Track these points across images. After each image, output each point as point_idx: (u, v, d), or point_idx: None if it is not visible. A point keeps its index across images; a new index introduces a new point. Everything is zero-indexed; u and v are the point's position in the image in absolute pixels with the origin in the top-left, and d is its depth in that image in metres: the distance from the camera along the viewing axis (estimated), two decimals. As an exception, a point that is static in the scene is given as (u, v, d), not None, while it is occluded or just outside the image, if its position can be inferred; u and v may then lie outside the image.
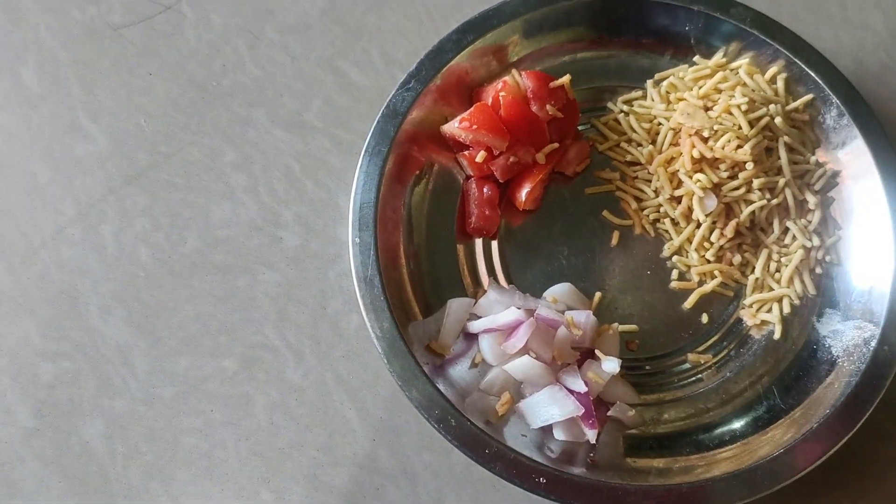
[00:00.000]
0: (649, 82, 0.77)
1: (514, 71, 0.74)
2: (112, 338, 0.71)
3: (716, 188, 0.71)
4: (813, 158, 0.73)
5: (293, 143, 0.78)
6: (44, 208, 0.75)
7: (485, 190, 0.73)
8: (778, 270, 0.72)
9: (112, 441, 0.69)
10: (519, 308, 0.67)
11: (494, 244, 0.74)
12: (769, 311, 0.71)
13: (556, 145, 0.73)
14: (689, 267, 0.73)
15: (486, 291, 0.71)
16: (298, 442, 0.69)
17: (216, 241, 0.74)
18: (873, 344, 0.66)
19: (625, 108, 0.77)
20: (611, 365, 0.66)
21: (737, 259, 0.72)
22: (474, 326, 0.69)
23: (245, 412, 0.70)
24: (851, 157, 0.72)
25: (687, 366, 0.71)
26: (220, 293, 0.73)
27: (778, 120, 0.71)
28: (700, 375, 0.71)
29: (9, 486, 0.68)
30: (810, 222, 0.72)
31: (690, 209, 0.72)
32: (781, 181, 0.71)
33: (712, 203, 0.71)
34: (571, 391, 0.65)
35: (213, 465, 0.68)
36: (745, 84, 0.73)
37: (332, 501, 0.68)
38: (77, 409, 0.70)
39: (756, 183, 0.70)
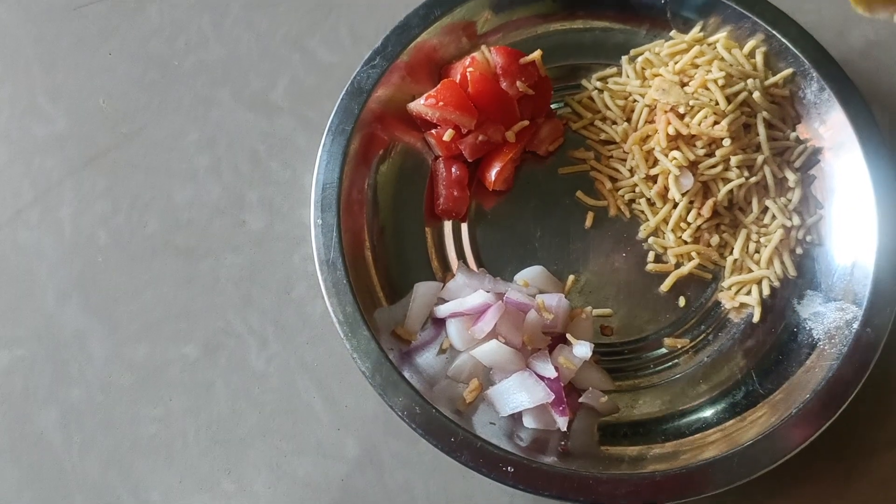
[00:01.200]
0: (624, 58, 0.75)
1: (483, 47, 0.72)
2: (69, 324, 0.70)
3: (692, 166, 0.69)
4: (793, 135, 0.71)
5: (258, 123, 0.76)
6: (0, 191, 0.73)
7: (453, 170, 0.71)
8: (757, 251, 0.70)
9: (68, 430, 0.67)
10: (488, 291, 0.66)
11: (464, 226, 0.72)
12: (748, 293, 0.69)
13: (526, 123, 0.71)
14: (665, 249, 0.71)
15: (454, 275, 0.69)
16: (261, 430, 0.67)
17: (178, 224, 0.73)
18: (856, 326, 0.64)
19: (599, 85, 0.75)
20: (582, 350, 0.64)
21: (714, 240, 0.70)
22: (441, 311, 0.67)
23: (206, 400, 0.68)
24: (833, 133, 0.69)
25: (663, 351, 0.69)
26: (182, 277, 0.71)
27: (756, 95, 0.69)
28: (676, 360, 0.69)
29: (-38, 476, 0.66)
30: (790, 201, 0.70)
31: (666, 188, 0.70)
32: (760, 158, 0.69)
33: (689, 182, 0.69)
34: (542, 377, 0.63)
35: (172, 455, 0.67)
36: (722, 59, 0.71)
37: (297, 491, 0.66)
38: (32, 397, 0.68)
39: (734, 160, 0.68)
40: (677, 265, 0.71)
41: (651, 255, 0.71)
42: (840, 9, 0.79)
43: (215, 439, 0.67)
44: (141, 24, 0.79)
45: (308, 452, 0.67)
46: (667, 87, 0.69)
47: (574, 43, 0.76)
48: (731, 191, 0.69)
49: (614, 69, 0.75)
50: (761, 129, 0.69)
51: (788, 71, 0.71)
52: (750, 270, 0.70)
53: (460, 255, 0.71)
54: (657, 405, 0.67)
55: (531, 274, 0.70)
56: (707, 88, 0.69)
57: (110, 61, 0.77)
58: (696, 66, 0.71)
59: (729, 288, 0.70)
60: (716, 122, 0.67)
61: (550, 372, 0.63)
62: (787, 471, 0.61)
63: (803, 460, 0.61)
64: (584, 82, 0.76)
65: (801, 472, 0.65)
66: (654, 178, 0.71)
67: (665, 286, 0.70)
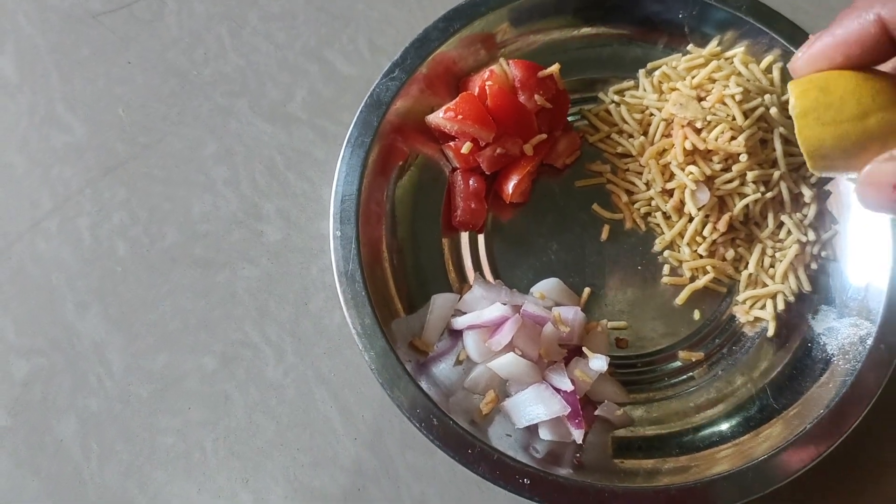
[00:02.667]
0: (641, 72, 0.75)
1: (501, 60, 0.73)
2: (88, 334, 0.70)
3: (708, 181, 0.69)
4: (809, 151, 0.71)
5: (276, 134, 0.76)
6: (19, 200, 0.74)
7: (471, 182, 0.71)
8: (772, 266, 0.70)
9: (87, 440, 0.68)
10: (505, 304, 0.66)
11: (481, 238, 0.73)
12: (763, 307, 0.70)
13: (543, 136, 0.71)
14: (680, 262, 0.71)
15: (471, 287, 0.69)
16: (278, 442, 0.68)
17: (196, 235, 0.73)
18: (869, 342, 0.64)
19: (616, 98, 0.75)
20: (598, 363, 0.64)
21: (730, 254, 0.70)
22: (459, 323, 0.67)
23: (224, 411, 0.68)
24: (849, 150, 0.69)
25: (678, 364, 0.70)
26: (200, 288, 0.71)
27: (773, 110, 0.69)
28: (691, 374, 0.69)
29: (-18, 485, 0.67)
30: (806, 216, 0.70)
31: (682, 202, 0.70)
32: (776, 174, 0.69)
33: (705, 196, 0.69)
34: (558, 390, 0.64)
35: (190, 466, 0.67)
36: (739, 74, 0.71)
37: (313, 503, 0.66)
38: (52, 407, 0.68)
39: (750, 175, 0.68)
40: (692, 279, 0.71)
41: (666, 269, 0.72)
42: (856, 24, 0.79)
43: (232, 450, 0.67)
44: (160, 33, 0.79)
45: (324, 464, 0.67)
46: (684, 102, 0.70)
47: (592, 56, 0.76)
48: (746, 206, 0.69)
49: (631, 82, 0.76)
50: (778, 144, 0.69)
51: (805, 87, 0.71)
52: (765, 285, 0.70)
53: (477, 266, 0.72)
54: (672, 418, 0.67)
55: (547, 286, 0.70)
56: (724, 104, 0.69)
57: (129, 71, 0.78)
58: (714, 81, 0.71)
59: (744, 302, 0.70)
60: (733, 138, 0.68)
61: (567, 385, 0.64)
62: (798, 485, 0.61)
63: (815, 475, 0.61)
64: (601, 95, 0.76)
65: (813, 487, 0.66)
66: (670, 192, 0.71)
67: (680, 299, 0.71)
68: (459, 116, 0.69)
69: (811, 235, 0.70)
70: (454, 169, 0.73)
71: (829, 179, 0.70)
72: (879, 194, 0.49)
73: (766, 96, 0.69)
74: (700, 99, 0.70)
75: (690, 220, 0.71)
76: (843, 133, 0.51)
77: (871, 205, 0.50)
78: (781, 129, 0.69)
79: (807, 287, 0.69)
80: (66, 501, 0.66)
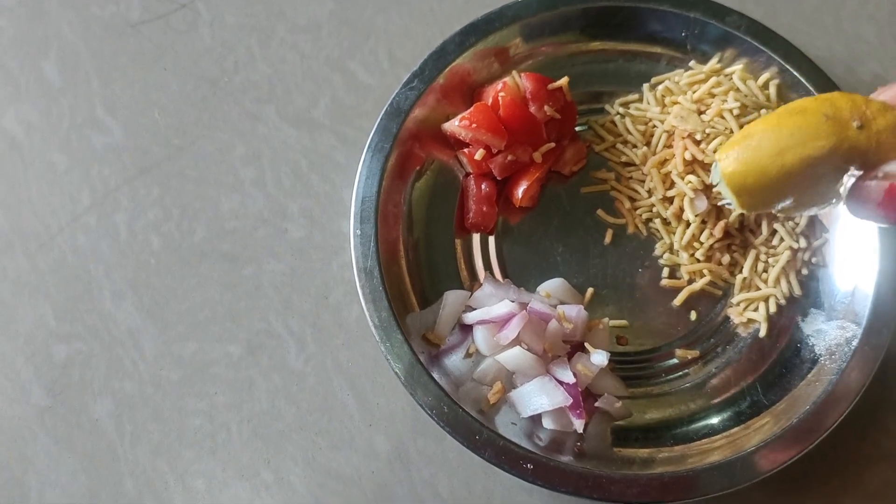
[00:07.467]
0: (646, 86, 0.79)
1: (514, 72, 0.76)
2: (123, 322, 0.74)
3: (707, 189, 0.72)
4: (802, 163, 0.74)
5: (301, 138, 0.80)
6: (61, 196, 0.78)
7: (483, 187, 0.75)
8: (765, 271, 0.73)
9: (121, 420, 0.72)
10: (513, 301, 0.69)
11: (491, 239, 0.76)
12: (756, 309, 0.73)
13: (552, 145, 0.75)
14: (679, 265, 0.75)
15: (481, 285, 0.73)
16: (298, 425, 0.71)
17: (224, 232, 0.77)
18: (855, 343, 0.67)
19: (621, 110, 0.78)
20: (599, 358, 0.67)
21: (725, 259, 0.73)
22: (469, 318, 0.70)
23: (248, 395, 0.72)
24: (839, 163, 0.73)
25: (674, 361, 0.73)
26: (227, 281, 0.75)
27: (768, 125, 0.72)
28: (687, 370, 0.72)
29: (22, 461, 0.71)
30: (797, 224, 0.73)
31: (682, 209, 0.73)
32: (770, 184, 0.73)
33: (703, 204, 0.72)
34: (561, 382, 0.67)
35: (216, 445, 0.71)
36: (738, 89, 0.74)
37: (330, 483, 0.70)
38: (88, 388, 0.72)
39: (745, 185, 0.72)
40: (690, 281, 0.74)
41: (665, 272, 0.75)
42: (849, 45, 0.83)
43: (256, 432, 0.71)
44: (194, 43, 0.83)
45: (341, 447, 0.71)
46: (685, 115, 0.73)
47: (599, 70, 0.80)
48: (741, 213, 0.72)
49: (636, 96, 0.79)
50: (772, 157, 0.72)
51: (799, 102, 0.74)
52: (758, 288, 0.73)
53: (487, 266, 0.75)
54: (667, 411, 0.70)
55: (553, 286, 0.73)
56: (723, 117, 0.72)
57: (164, 77, 0.82)
58: (713, 96, 0.74)
59: (738, 304, 0.73)
60: (730, 150, 0.71)
61: (569, 377, 0.66)
62: (785, 476, 0.64)
63: (801, 468, 0.65)
64: (607, 107, 0.79)
65: (801, 479, 0.69)
66: (670, 200, 0.74)
67: (678, 301, 0.74)
68: (473, 125, 0.73)
69: (802, 243, 0.72)
70: (467, 174, 0.76)
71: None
72: (865, 208, 0.54)
73: (763, 111, 0.73)
74: (700, 112, 0.74)
75: (689, 226, 0.74)
76: (762, 170, 0.55)
77: (859, 215, 0.55)
78: (776, 143, 0.73)
79: (797, 291, 0.73)
80: (100, 477, 0.70)
